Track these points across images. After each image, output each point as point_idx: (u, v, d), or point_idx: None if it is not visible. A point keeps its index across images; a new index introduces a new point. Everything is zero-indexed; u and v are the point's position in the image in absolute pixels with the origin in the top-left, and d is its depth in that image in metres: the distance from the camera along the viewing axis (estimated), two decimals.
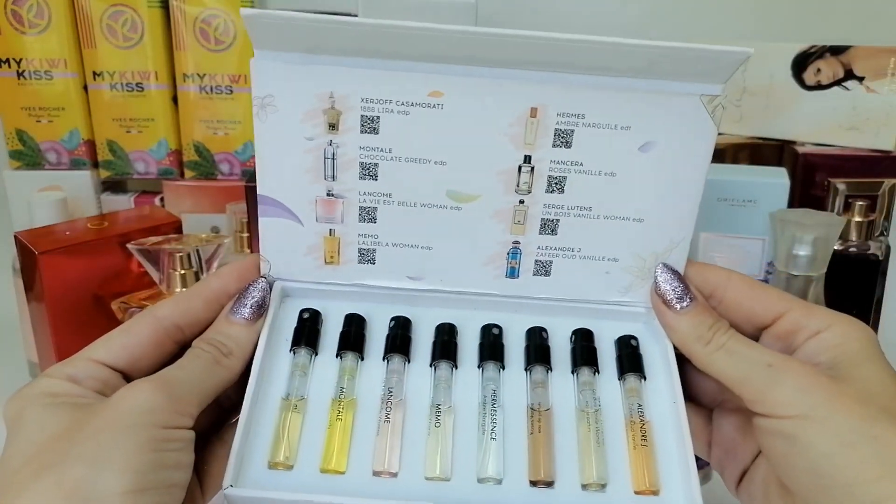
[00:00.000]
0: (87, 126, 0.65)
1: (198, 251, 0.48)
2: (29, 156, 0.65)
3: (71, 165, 0.66)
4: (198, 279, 0.49)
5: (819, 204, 0.60)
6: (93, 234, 0.49)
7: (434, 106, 0.32)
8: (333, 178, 0.34)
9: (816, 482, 0.28)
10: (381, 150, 0.34)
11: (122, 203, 0.67)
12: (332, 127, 0.33)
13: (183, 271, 0.48)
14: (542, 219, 0.35)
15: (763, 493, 0.33)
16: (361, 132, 0.33)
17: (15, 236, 0.49)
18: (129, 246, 0.48)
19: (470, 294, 0.37)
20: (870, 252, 0.57)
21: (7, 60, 0.62)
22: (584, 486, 0.33)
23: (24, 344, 0.60)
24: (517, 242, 0.36)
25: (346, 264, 0.37)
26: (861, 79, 0.61)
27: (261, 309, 0.34)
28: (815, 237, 0.49)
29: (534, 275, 0.37)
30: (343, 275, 0.37)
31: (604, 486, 0.33)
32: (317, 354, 0.36)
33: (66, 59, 0.62)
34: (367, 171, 0.34)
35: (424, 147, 0.33)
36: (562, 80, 0.32)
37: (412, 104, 0.32)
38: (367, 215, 0.35)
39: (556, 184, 0.34)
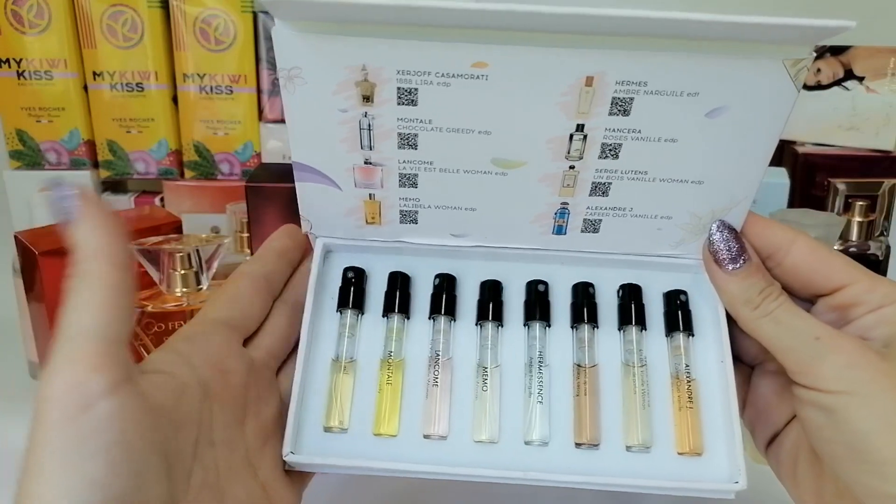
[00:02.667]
0: (87, 126, 0.65)
1: (198, 251, 0.48)
2: (29, 156, 0.65)
3: (71, 165, 0.66)
4: (198, 279, 0.49)
5: (819, 204, 0.60)
6: None
7: (478, 77, 0.30)
8: (371, 147, 0.33)
9: (852, 457, 0.28)
10: (421, 122, 0.32)
11: (122, 203, 0.67)
12: (367, 99, 0.31)
13: (183, 271, 0.48)
14: (594, 182, 0.34)
15: (791, 459, 0.33)
16: (399, 104, 0.31)
17: (15, 236, 0.49)
18: (129, 246, 0.48)
19: (515, 248, 0.36)
20: (870, 252, 0.57)
21: (7, 60, 0.62)
22: (629, 448, 0.34)
23: (24, 344, 0.60)
24: (565, 203, 0.35)
25: (387, 224, 0.36)
26: (861, 79, 0.61)
27: (69, 207, 0.28)
28: (815, 237, 0.49)
29: (582, 231, 0.36)
30: (385, 233, 0.36)
31: (648, 447, 0.34)
32: (363, 314, 0.36)
33: (66, 59, 0.62)
34: (406, 140, 0.32)
35: (467, 118, 0.31)
36: (622, 46, 0.29)
37: (453, 75, 0.30)
38: (408, 181, 0.34)
39: (610, 150, 0.32)
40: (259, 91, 0.63)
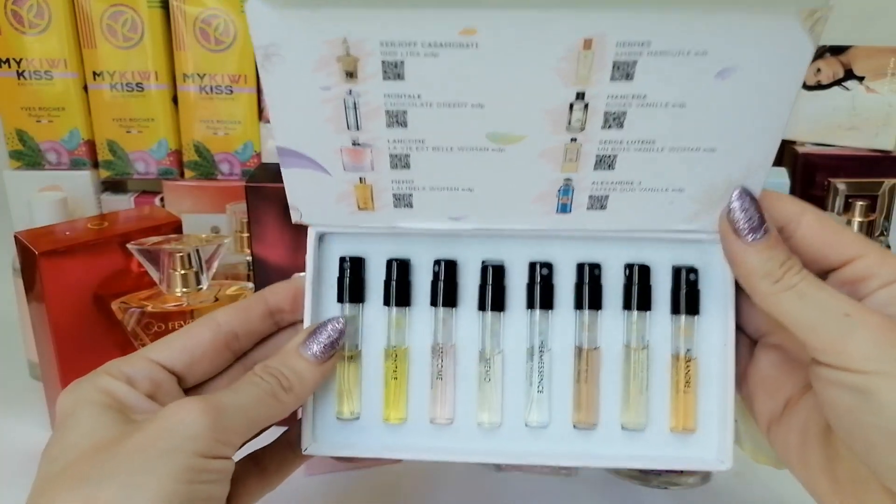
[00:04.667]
0: (87, 126, 0.65)
1: (198, 251, 0.48)
2: (29, 156, 0.65)
3: (71, 165, 0.66)
4: (198, 279, 0.49)
5: (819, 204, 0.60)
6: (93, 234, 0.49)
7: (467, 45, 0.28)
8: (358, 127, 0.31)
9: (886, 440, 0.27)
10: (409, 97, 0.30)
11: (122, 203, 0.67)
12: (350, 75, 0.29)
13: (183, 271, 0.48)
14: (598, 155, 0.32)
15: (800, 440, 0.32)
16: (384, 79, 0.29)
17: (15, 236, 0.49)
18: (129, 246, 0.48)
19: (518, 229, 0.35)
20: None
21: (7, 60, 0.62)
22: (624, 427, 0.35)
23: (24, 344, 0.60)
24: (569, 179, 0.33)
25: (381, 209, 0.34)
26: (861, 79, 0.61)
27: (332, 349, 0.33)
28: None
29: (588, 209, 0.34)
30: (379, 219, 0.35)
31: (643, 428, 0.35)
32: (364, 302, 0.36)
33: (66, 59, 0.62)
34: (395, 118, 0.31)
35: (458, 90, 0.29)
36: (621, 4, 0.27)
37: (441, 45, 0.28)
38: (400, 162, 0.32)
39: (613, 119, 0.30)
40: (259, 91, 0.63)
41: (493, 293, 0.36)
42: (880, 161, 0.61)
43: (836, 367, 0.28)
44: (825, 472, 0.31)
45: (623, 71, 0.29)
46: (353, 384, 0.36)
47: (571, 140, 0.31)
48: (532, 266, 0.36)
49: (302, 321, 0.35)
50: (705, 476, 0.48)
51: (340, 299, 0.36)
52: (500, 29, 0.28)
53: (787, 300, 0.29)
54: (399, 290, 0.36)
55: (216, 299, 0.49)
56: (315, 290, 0.35)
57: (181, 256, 0.48)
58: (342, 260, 0.36)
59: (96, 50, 0.62)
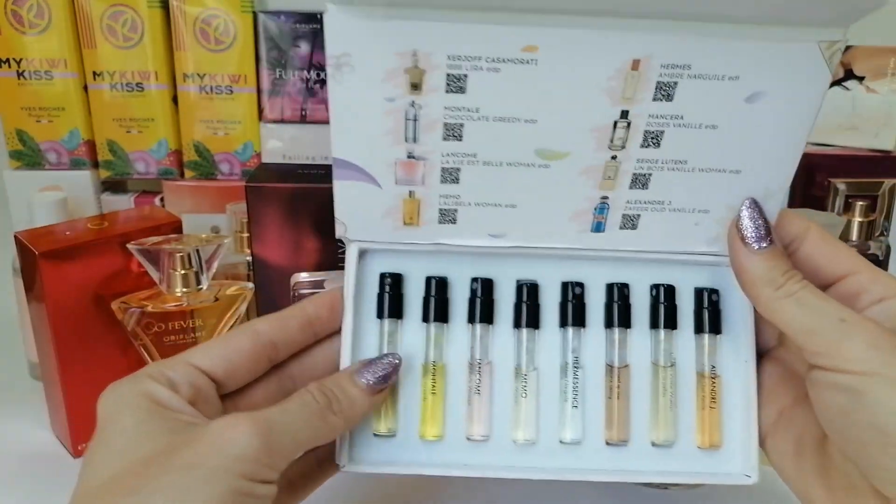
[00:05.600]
0: (87, 126, 0.65)
1: (198, 251, 0.48)
2: (29, 156, 0.65)
3: (71, 165, 0.66)
4: (198, 279, 0.49)
5: (819, 204, 0.60)
6: (93, 234, 0.49)
7: (528, 62, 0.30)
8: (415, 140, 0.32)
9: (878, 439, 0.28)
10: (468, 110, 0.31)
11: (122, 203, 0.67)
12: (415, 87, 0.31)
13: (183, 271, 0.48)
14: (634, 174, 0.34)
15: (795, 449, 0.33)
16: (447, 91, 0.31)
17: (15, 236, 0.49)
18: (129, 246, 0.48)
19: (552, 248, 0.37)
20: (870, 252, 0.57)
21: (7, 60, 0.62)
22: (654, 444, 0.36)
23: (24, 344, 0.60)
24: (605, 198, 0.35)
25: (425, 225, 0.36)
26: (861, 79, 0.61)
27: (385, 382, 0.34)
28: None
29: (620, 228, 0.36)
30: (422, 235, 0.36)
31: (672, 443, 0.36)
32: (402, 318, 0.37)
33: (66, 59, 0.62)
34: (452, 131, 0.32)
35: (515, 105, 0.31)
36: (668, 28, 0.29)
37: (503, 60, 0.30)
38: (450, 176, 0.34)
39: (652, 138, 0.32)
40: (259, 91, 0.63)
41: (529, 310, 0.37)
42: (880, 161, 0.61)
43: (831, 369, 0.29)
44: (819, 480, 0.32)
45: (665, 91, 0.31)
46: (390, 401, 0.36)
47: (612, 157, 0.33)
48: (565, 285, 0.37)
49: (340, 331, 0.35)
50: None
51: (380, 315, 0.36)
52: (559, 46, 0.29)
53: (787, 306, 0.31)
54: (438, 307, 0.36)
55: (216, 299, 0.49)
56: (355, 305, 0.36)
57: (181, 256, 0.48)
58: (382, 276, 0.37)
59: (96, 50, 0.62)
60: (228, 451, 0.27)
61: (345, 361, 0.35)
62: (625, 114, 0.32)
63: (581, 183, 0.34)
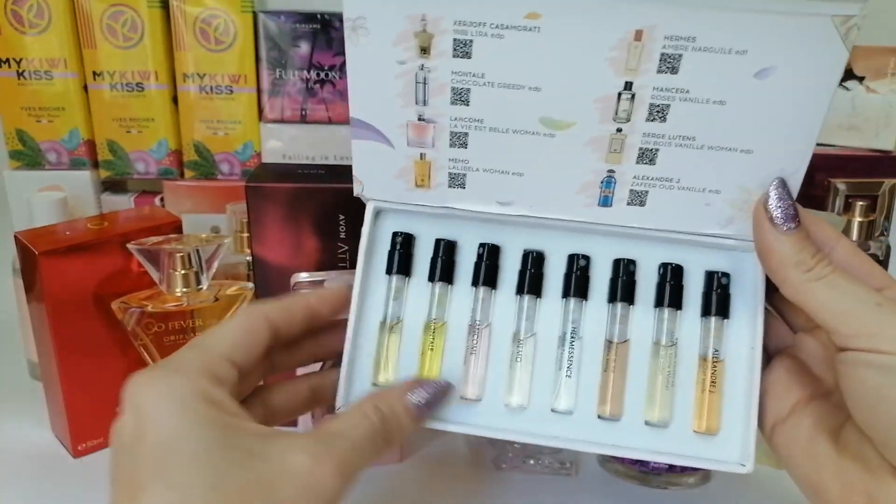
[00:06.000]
0: (87, 126, 0.65)
1: (198, 251, 0.48)
2: (29, 156, 0.65)
3: (71, 165, 0.66)
4: (198, 279, 0.49)
5: (819, 204, 0.60)
6: (93, 234, 0.49)
7: (530, 29, 0.31)
8: (425, 102, 0.34)
9: None
10: (474, 76, 0.33)
11: (122, 203, 0.67)
12: (424, 51, 0.32)
13: (183, 271, 0.48)
14: (641, 148, 0.34)
15: (809, 435, 0.33)
16: (454, 56, 0.32)
17: (15, 236, 0.49)
18: (129, 246, 0.48)
19: (560, 220, 0.37)
20: (870, 252, 0.57)
21: (7, 60, 0.62)
22: (647, 422, 0.36)
23: (24, 344, 0.60)
24: (612, 171, 0.35)
25: (436, 188, 0.37)
26: (861, 79, 0.61)
27: (428, 409, 0.34)
28: None
29: (628, 204, 0.36)
30: (433, 198, 0.37)
31: (666, 424, 0.36)
32: (410, 277, 0.38)
33: (66, 59, 0.62)
34: (459, 96, 0.33)
35: (519, 72, 0.32)
36: (673, 1, 0.29)
37: (507, 27, 0.31)
38: (458, 140, 0.35)
39: (657, 112, 0.32)
40: (259, 91, 0.63)
41: (532, 278, 0.37)
42: (880, 161, 0.61)
43: (867, 349, 0.29)
44: (831, 465, 0.32)
45: (669, 64, 0.31)
46: (391, 354, 0.37)
47: (617, 130, 0.33)
48: (571, 257, 0.37)
49: (331, 327, 0.37)
50: (705, 476, 0.48)
51: (389, 271, 0.38)
52: (561, 15, 0.30)
53: (819, 289, 0.31)
54: (444, 268, 0.37)
55: (216, 299, 0.49)
56: (367, 260, 0.37)
57: (181, 256, 0.48)
58: (395, 235, 0.38)
59: (96, 50, 0.62)
60: (315, 491, 0.27)
61: (353, 316, 0.36)
62: (629, 85, 0.32)
63: (587, 154, 0.34)
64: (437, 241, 0.38)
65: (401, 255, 0.38)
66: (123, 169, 0.66)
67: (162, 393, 0.28)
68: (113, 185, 0.68)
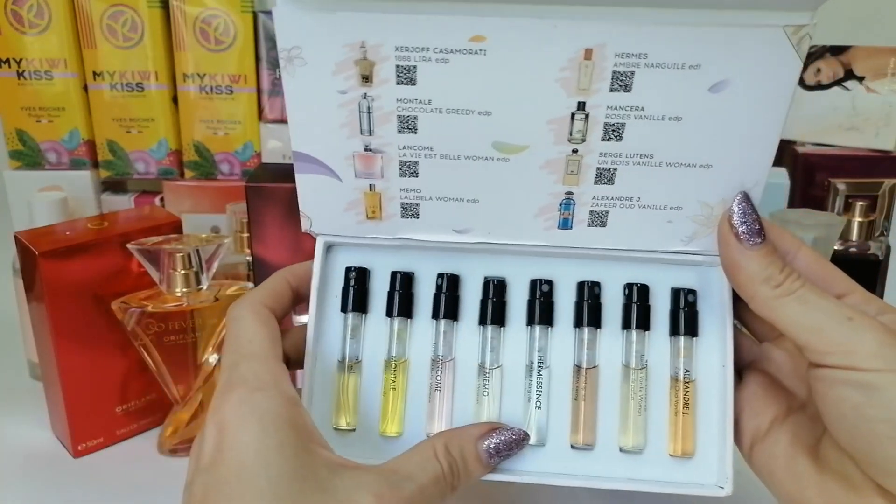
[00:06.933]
0: (87, 126, 0.65)
1: (198, 251, 0.48)
2: (29, 156, 0.65)
3: (71, 165, 0.66)
4: (198, 279, 0.49)
5: (819, 204, 0.60)
6: (93, 234, 0.49)
7: (476, 52, 0.29)
8: (370, 132, 0.32)
9: (892, 433, 0.28)
10: (420, 102, 0.31)
11: (122, 203, 0.67)
12: (366, 79, 0.31)
13: (183, 271, 0.48)
14: (598, 168, 0.33)
15: (789, 452, 0.33)
16: (398, 83, 0.31)
17: (15, 236, 0.49)
18: (129, 246, 0.48)
19: (520, 245, 0.36)
20: (870, 252, 0.57)
21: (7, 60, 0.62)
22: (622, 449, 0.35)
23: (24, 344, 0.60)
24: (570, 193, 0.34)
25: (388, 219, 0.35)
26: (861, 79, 0.61)
27: (500, 458, 0.33)
28: (815, 237, 0.49)
29: (588, 225, 0.35)
30: (386, 229, 0.36)
31: (641, 450, 0.35)
32: (367, 313, 0.36)
33: (66, 59, 0.62)
34: (406, 124, 0.32)
35: (467, 97, 0.31)
36: (621, 16, 0.28)
37: (452, 51, 0.30)
38: (409, 169, 0.33)
39: (613, 131, 0.31)
40: (259, 91, 0.63)
41: (494, 308, 0.36)
42: (880, 161, 0.61)
43: (842, 367, 0.29)
44: (813, 480, 0.32)
45: (622, 82, 0.30)
46: (351, 396, 0.36)
47: (573, 151, 0.32)
48: (533, 283, 0.36)
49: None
50: None
51: (344, 309, 0.36)
52: (507, 36, 0.29)
53: (788, 305, 0.30)
54: (402, 302, 0.36)
55: (216, 299, 0.49)
56: (320, 298, 0.36)
57: (181, 256, 0.48)
58: (348, 270, 0.36)
59: (96, 50, 0.62)
60: None
61: (309, 357, 0.35)
62: (581, 105, 0.31)
63: (543, 177, 0.33)
64: (394, 274, 0.36)
65: (355, 291, 0.36)
66: (123, 169, 0.66)
67: (246, 415, 0.28)
68: (113, 185, 0.68)
